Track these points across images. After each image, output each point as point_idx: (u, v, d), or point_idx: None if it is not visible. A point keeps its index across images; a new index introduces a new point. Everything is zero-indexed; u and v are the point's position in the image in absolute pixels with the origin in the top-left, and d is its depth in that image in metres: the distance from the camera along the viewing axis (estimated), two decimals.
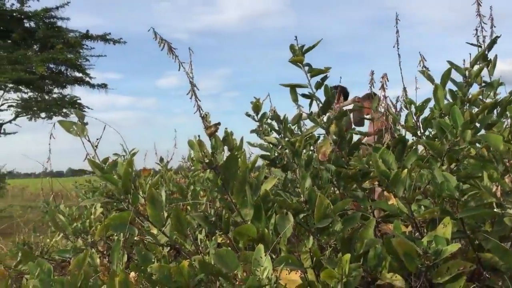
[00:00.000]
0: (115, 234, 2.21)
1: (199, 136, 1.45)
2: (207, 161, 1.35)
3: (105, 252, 2.05)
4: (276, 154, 2.08)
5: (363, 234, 1.29)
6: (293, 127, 2.11)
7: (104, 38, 11.43)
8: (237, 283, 1.22)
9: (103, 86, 12.47)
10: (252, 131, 2.23)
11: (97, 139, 1.78)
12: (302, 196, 1.27)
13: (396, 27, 1.97)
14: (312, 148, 2.09)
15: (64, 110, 17.94)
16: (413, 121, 1.83)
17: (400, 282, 1.23)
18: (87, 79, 12.21)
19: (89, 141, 1.75)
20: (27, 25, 11.26)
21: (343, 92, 4.68)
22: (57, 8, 11.24)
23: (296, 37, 1.93)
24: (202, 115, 1.91)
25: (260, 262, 1.20)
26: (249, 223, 1.41)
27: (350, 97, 4.19)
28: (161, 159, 3.84)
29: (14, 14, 11.03)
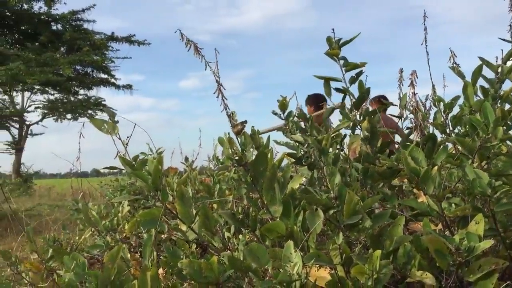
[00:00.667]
0: (144, 231, 2.26)
1: (228, 133, 1.47)
2: (237, 158, 1.36)
3: (136, 247, 2.08)
4: (302, 153, 2.09)
5: (392, 232, 1.28)
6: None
7: (129, 40, 11.60)
8: (267, 278, 1.23)
9: (128, 87, 12.67)
10: (278, 129, 2.25)
11: (127, 137, 1.82)
12: (332, 192, 1.27)
13: (424, 24, 1.95)
14: (338, 146, 2.09)
15: (89, 111, 18.33)
16: (442, 118, 1.81)
17: (431, 280, 1.23)
18: (112, 80, 12.43)
19: (119, 139, 1.79)
20: (54, 27, 11.53)
21: (319, 100, 4.50)
22: (83, 10, 11.49)
23: (333, 29, 1.92)
24: (229, 114, 1.93)
25: (290, 258, 1.21)
26: (277, 220, 1.42)
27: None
28: (186, 159, 3.88)
29: (42, 17, 11.29)
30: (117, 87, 12.46)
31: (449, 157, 1.54)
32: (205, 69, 1.84)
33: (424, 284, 1.25)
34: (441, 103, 1.81)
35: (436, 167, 1.36)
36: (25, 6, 11.03)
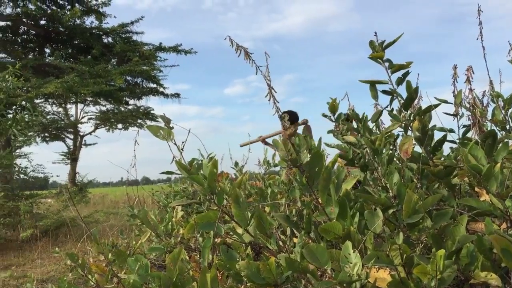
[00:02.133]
0: (199, 234, 2.30)
1: (283, 135, 1.48)
2: (291, 159, 1.37)
3: (195, 250, 2.13)
4: (354, 154, 2.07)
5: (454, 231, 1.25)
6: (371, 126, 2.09)
7: (176, 49, 11.86)
8: (327, 279, 1.23)
9: (176, 95, 12.94)
10: (329, 132, 2.24)
11: (182, 143, 1.86)
12: (390, 191, 1.26)
13: (479, 18, 1.90)
14: (391, 146, 2.06)
15: (139, 121, 18.85)
16: (502, 115, 1.75)
17: (496, 281, 1.19)
18: (161, 89, 12.73)
19: (175, 144, 1.83)
20: (105, 40, 11.96)
21: (294, 117, 5.15)
22: (132, 23, 11.86)
23: (375, 33, 1.91)
24: (281, 116, 1.94)
25: (348, 258, 1.21)
26: (334, 221, 1.41)
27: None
28: (236, 164, 3.92)
29: (94, 31, 11.74)
30: (166, 96, 12.76)
31: (510, 154, 1.49)
32: (256, 74, 1.86)
33: (489, 285, 1.21)
34: (500, 99, 1.75)
35: (498, 164, 1.31)
36: (78, 22, 11.52)
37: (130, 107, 14.99)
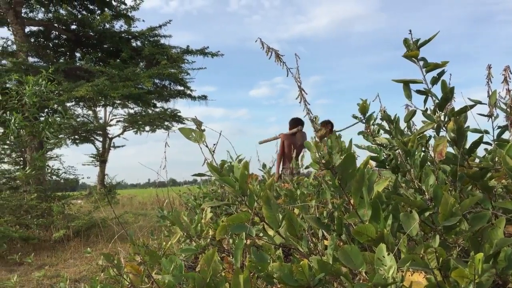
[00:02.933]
0: (229, 235, 2.31)
1: (314, 138, 1.48)
2: (324, 161, 1.37)
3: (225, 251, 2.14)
4: (385, 156, 2.05)
5: (492, 234, 1.23)
6: (403, 128, 2.07)
7: (203, 52, 11.96)
8: (361, 281, 1.22)
9: (203, 97, 13.02)
10: (359, 133, 2.22)
11: (214, 145, 1.88)
12: (426, 193, 1.24)
13: None
14: (423, 148, 2.03)
15: (166, 123, 19.06)
16: None
17: None
18: (188, 92, 12.83)
19: (206, 146, 1.85)
20: (134, 44, 12.14)
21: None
22: (160, 26, 12.00)
23: (410, 31, 1.88)
24: (312, 118, 1.94)
25: (383, 261, 1.19)
26: (367, 223, 1.40)
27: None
28: (264, 165, 3.92)
29: (123, 35, 11.94)
30: (193, 98, 12.86)
31: None
32: (287, 75, 1.87)
33: None
34: None
35: None
36: (107, 26, 11.73)
37: (157, 109, 15.18)
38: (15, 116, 6.97)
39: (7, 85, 7.86)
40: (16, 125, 6.97)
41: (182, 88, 12.81)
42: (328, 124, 6.45)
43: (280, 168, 6.80)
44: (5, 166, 7.72)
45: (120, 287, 1.76)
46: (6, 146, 7.24)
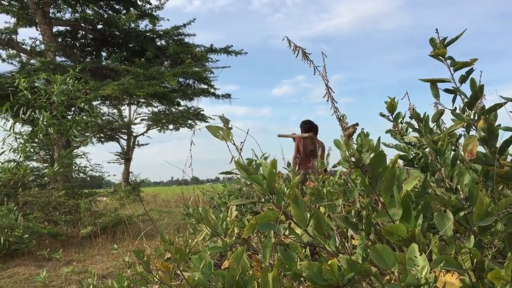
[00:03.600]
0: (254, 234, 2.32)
1: (343, 136, 1.47)
2: (354, 160, 1.36)
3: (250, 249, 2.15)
4: (414, 154, 2.02)
5: None
6: (432, 126, 2.04)
7: (226, 50, 12.01)
8: (392, 281, 1.21)
9: (227, 96, 13.08)
10: (387, 132, 2.20)
11: (241, 142, 1.88)
12: (461, 193, 1.22)
13: None
14: (453, 147, 1.99)
15: (189, 121, 19.21)
16: None
17: None
18: (212, 90, 12.90)
19: (234, 144, 1.85)
20: (159, 43, 12.27)
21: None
22: (184, 25, 12.10)
23: (436, 29, 1.86)
24: (339, 117, 1.92)
25: (415, 261, 1.18)
26: (397, 222, 1.38)
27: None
28: (289, 164, 3.91)
29: (148, 34, 12.08)
30: (217, 96, 12.92)
31: None
32: (314, 74, 1.86)
33: None
34: None
35: None
36: (132, 25, 11.87)
37: (181, 108, 15.31)
38: (44, 115, 7.12)
39: (36, 84, 8.02)
40: (45, 123, 7.12)
41: (206, 86, 12.90)
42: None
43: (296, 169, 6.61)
44: (34, 164, 7.89)
45: (148, 284, 1.78)
46: (35, 144, 7.39)
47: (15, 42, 11.93)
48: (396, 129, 2.18)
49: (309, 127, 7.01)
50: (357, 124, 1.75)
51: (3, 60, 12.58)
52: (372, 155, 1.42)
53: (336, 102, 1.86)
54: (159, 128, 22.82)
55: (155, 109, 20.49)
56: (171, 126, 21.76)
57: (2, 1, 12.09)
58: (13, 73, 10.25)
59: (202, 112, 16.51)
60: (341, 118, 1.90)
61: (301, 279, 1.58)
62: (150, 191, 22.80)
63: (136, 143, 24.64)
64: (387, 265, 1.18)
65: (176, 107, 14.84)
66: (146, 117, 23.11)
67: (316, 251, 2.04)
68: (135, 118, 23.98)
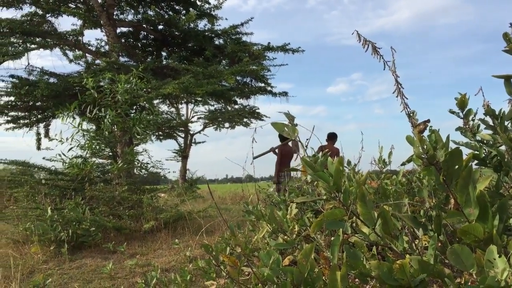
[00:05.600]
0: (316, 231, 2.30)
1: (413, 133, 1.43)
2: (427, 157, 1.32)
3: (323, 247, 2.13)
4: (485, 153, 1.94)
5: None
6: (506, 123, 1.94)
7: (283, 48, 11.97)
8: (470, 283, 1.16)
9: (284, 94, 13.05)
10: (457, 129, 2.12)
11: (307, 140, 1.88)
12: None
13: None
14: None
15: (245, 120, 19.35)
16: None
17: None
18: (269, 88, 12.92)
19: (299, 141, 1.85)
20: (217, 42, 12.44)
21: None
22: (242, 24, 12.19)
23: (511, 24, 1.77)
24: (409, 113, 1.87)
25: (493, 263, 1.13)
26: (473, 223, 1.33)
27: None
28: (349, 162, 3.85)
29: (206, 33, 12.26)
30: (274, 94, 12.92)
31: None
32: (384, 69, 1.82)
33: None
34: None
35: None
36: (191, 25, 12.09)
37: (236, 106, 15.43)
38: (110, 113, 7.41)
39: (101, 83, 8.36)
40: (110, 121, 7.40)
41: (262, 84, 12.94)
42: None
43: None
44: (99, 160, 8.22)
45: (218, 277, 1.80)
46: (100, 141, 7.71)
47: (82, 43, 12.48)
48: (467, 126, 2.10)
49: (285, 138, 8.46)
50: (428, 121, 1.70)
51: (71, 61, 13.20)
52: (446, 152, 1.37)
53: (407, 98, 1.81)
54: (215, 126, 23.17)
55: (212, 108, 20.82)
56: (227, 124, 22.03)
57: (70, 4, 12.68)
58: (80, 73, 10.73)
59: (257, 111, 16.58)
60: (411, 114, 1.85)
61: (367, 278, 1.55)
62: (206, 188, 23.18)
63: (193, 141, 25.15)
64: (465, 267, 1.13)
65: (232, 105, 14.98)
66: (202, 116, 23.54)
67: (378, 250, 2.00)
68: (192, 117, 24.48)
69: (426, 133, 1.56)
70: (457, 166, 1.33)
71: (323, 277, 1.51)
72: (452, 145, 2.13)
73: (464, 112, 2.08)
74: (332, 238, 1.55)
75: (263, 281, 1.32)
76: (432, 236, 1.55)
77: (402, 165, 2.84)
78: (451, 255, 1.15)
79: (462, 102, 2.07)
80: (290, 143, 8.48)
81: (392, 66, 1.85)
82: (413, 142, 1.36)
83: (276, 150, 8.65)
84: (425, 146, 1.33)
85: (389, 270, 1.39)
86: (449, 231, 1.81)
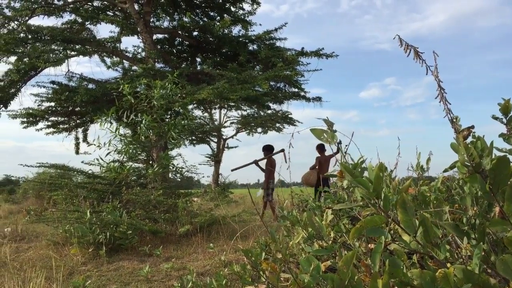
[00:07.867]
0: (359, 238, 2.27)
1: (457, 139, 1.40)
2: (474, 164, 1.29)
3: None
4: None
5: None
6: None
7: (317, 53, 11.90)
8: None
9: (318, 99, 12.96)
10: (500, 135, 2.07)
11: (346, 146, 1.87)
12: None
13: None
14: None
15: (277, 125, 19.34)
16: None
17: None
18: (302, 93, 12.86)
19: (338, 147, 1.84)
20: (251, 47, 12.49)
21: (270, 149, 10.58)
22: (276, 30, 12.20)
23: None
24: (452, 119, 1.84)
25: None
26: None
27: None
28: (385, 168, 3.78)
29: (240, 39, 12.33)
30: (307, 100, 12.85)
31: None
32: (426, 74, 1.79)
33: None
34: None
35: None
36: (225, 31, 12.19)
37: (269, 111, 15.43)
38: (146, 118, 7.54)
39: (138, 89, 8.51)
40: (146, 126, 7.53)
41: (296, 90, 12.90)
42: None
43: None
44: (136, 164, 8.36)
45: (257, 283, 1.81)
46: (137, 146, 7.85)
47: (119, 50, 12.77)
48: (511, 132, 2.04)
49: (269, 148, 10.71)
50: (472, 127, 1.66)
51: (108, 67, 13.52)
52: (492, 160, 1.34)
53: (450, 103, 1.78)
54: (247, 131, 23.26)
55: (244, 113, 20.91)
56: (259, 129, 22.10)
57: (108, 12, 13.01)
58: (118, 79, 10.96)
59: (290, 116, 16.55)
60: (455, 120, 1.82)
61: (408, 287, 1.52)
62: (238, 193, 23.28)
63: (226, 145, 25.32)
64: None
65: (265, 110, 15.00)
66: (235, 120, 23.68)
67: (418, 259, 1.96)
68: (225, 122, 24.67)
69: (469, 139, 1.53)
70: (504, 174, 1.29)
71: (363, 285, 1.49)
72: (496, 152, 2.08)
73: (507, 118, 2.03)
74: (373, 246, 1.53)
75: (303, 287, 1.32)
76: (478, 245, 1.51)
77: (444, 171, 2.78)
78: (500, 265, 1.12)
79: (505, 108, 2.01)
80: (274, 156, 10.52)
81: (435, 71, 1.82)
82: (458, 149, 1.33)
83: (259, 163, 10.49)
84: (470, 154, 1.30)
85: (432, 279, 1.37)
86: (491, 239, 1.76)
